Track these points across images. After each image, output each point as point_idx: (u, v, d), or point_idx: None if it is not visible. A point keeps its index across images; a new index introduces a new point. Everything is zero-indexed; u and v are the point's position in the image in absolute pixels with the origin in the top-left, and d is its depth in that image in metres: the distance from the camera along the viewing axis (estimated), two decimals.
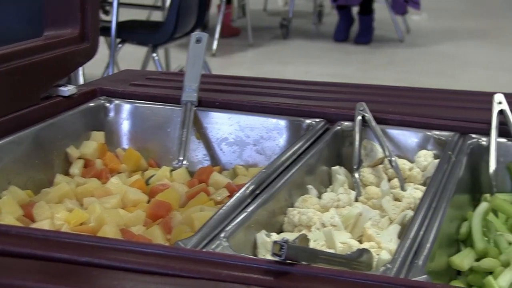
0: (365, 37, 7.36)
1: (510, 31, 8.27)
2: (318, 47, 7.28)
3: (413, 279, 1.15)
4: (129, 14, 5.56)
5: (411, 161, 1.80)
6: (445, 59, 6.81)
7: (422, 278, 1.16)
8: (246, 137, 1.91)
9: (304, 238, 1.21)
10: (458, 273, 1.45)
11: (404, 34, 7.85)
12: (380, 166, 1.79)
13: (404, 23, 8.04)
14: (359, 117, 1.81)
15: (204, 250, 1.24)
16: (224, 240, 1.28)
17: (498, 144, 1.74)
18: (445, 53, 7.07)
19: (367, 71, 6.35)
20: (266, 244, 1.37)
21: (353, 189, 1.71)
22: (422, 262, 1.21)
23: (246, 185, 1.47)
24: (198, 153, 1.96)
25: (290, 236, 1.42)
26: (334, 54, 6.97)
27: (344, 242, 1.39)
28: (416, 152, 1.80)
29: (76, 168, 1.81)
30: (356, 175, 1.74)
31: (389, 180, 1.76)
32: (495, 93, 1.83)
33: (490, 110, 1.79)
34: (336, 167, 1.77)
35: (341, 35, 7.47)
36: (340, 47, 7.23)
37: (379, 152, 1.78)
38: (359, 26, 7.41)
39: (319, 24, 8.54)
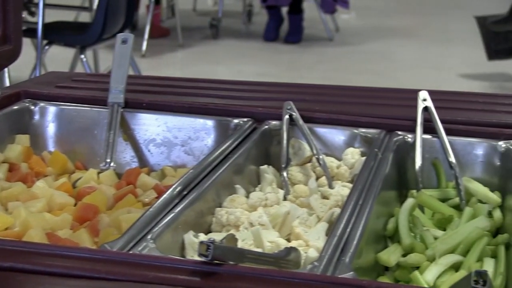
0: (295, 36, 7.41)
1: (436, 29, 8.44)
2: (248, 47, 7.29)
3: (340, 276, 1.16)
4: (56, 15, 5.47)
5: (339, 159, 1.81)
6: (374, 57, 6.90)
7: (349, 275, 1.17)
8: (174, 138, 1.89)
9: (232, 238, 1.21)
10: (386, 269, 1.47)
11: (334, 33, 7.93)
12: (308, 164, 1.80)
13: (333, 22, 8.12)
14: (287, 116, 1.81)
15: (131, 252, 1.23)
16: (151, 241, 1.26)
17: (424, 141, 1.76)
18: (374, 51, 7.17)
19: (297, 70, 6.39)
20: (194, 244, 1.36)
21: (281, 188, 1.72)
22: (349, 259, 1.22)
23: (174, 186, 1.46)
24: (125, 155, 1.93)
25: (218, 236, 1.41)
26: (264, 53, 7.00)
27: (272, 241, 1.39)
28: (343, 150, 1.82)
29: (0, 173, 1.77)
30: (284, 174, 1.74)
31: (317, 178, 1.77)
32: (420, 90, 1.85)
33: (415, 107, 1.81)
34: (264, 166, 1.77)
35: (271, 35, 7.50)
36: (270, 47, 7.26)
37: (307, 150, 1.79)
38: (289, 25, 7.45)
39: (249, 24, 8.55)
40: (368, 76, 6.14)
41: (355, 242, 1.28)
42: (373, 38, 7.85)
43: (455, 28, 8.57)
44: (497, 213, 1.64)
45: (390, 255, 1.42)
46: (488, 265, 1.42)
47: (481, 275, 1.05)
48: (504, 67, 6.44)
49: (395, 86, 2.31)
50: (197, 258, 1.15)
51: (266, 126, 1.85)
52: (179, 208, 1.40)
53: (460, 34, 8.14)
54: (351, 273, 1.17)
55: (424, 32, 8.31)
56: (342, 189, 1.64)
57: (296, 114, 1.81)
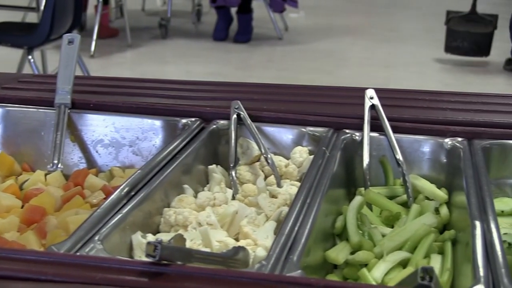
0: (245, 35, 7.41)
1: (384, 27, 8.52)
2: (198, 47, 7.27)
3: (288, 274, 1.16)
4: (3, 16, 5.38)
5: (287, 158, 1.81)
6: (323, 56, 6.94)
7: (297, 273, 1.17)
8: (121, 138, 1.88)
9: (180, 238, 1.20)
10: (335, 266, 1.47)
11: (283, 32, 7.96)
12: (257, 163, 1.80)
13: (282, 21, 8.15)
14: (235, 116, 1.81)
15: (78, 254, 1.22)
16: (98, 243, 1.25)
17: (371, 139, 1.77)
18: (323, 50, 7.21)
19: (247, 69, 6.40)
20: (142, 245, 1.35)
21: (230, 187, 1.72)
22: (297, 257, 1.22)
23: (121, 187, 1.45)
24: (73, 156, 1.91)
25: (166, 236, 1.41)
26: (214, 53, 6.98)
27: (220, 241, 1.39)
28: (291, 149, 1.82)
29: None
30: (233, 173, 1.74)
31: (266, 177, 1.77)
32: (367, 88, 1.86)
33: (363, 105, 1.82)
34: (213, 166, 1.77)
35: (220, 34, 7.49)
36: (220, 46, 7.24)
37: (255, 149, 1.79)
38: (238, 25, 7.44)
39: (198, 24, 8.53)
40: (318, 75, 6.16)
41: (303, 240, 1.28)
42: (323, 36, 7.89)
43: (403, 27, 8.67)
44: (444, 210, 1.66)
45: (339, 253, 1.43)
46: (435, 261, 1.43)
47: (427, 271, 1.06)
48: (451, 65, 6.54)
49: (344, 85, 2.33)
50: (145, 258, 1.14)
51: (214, 126, 1.85)
52: (126, 209, 1.39)
53: (408, 33, 8.24)
54: (299, 271, 1.17)
55: (373, 30, 8.38)
56: (290, 188, 1.65)
57: (244, 114, 1.81)
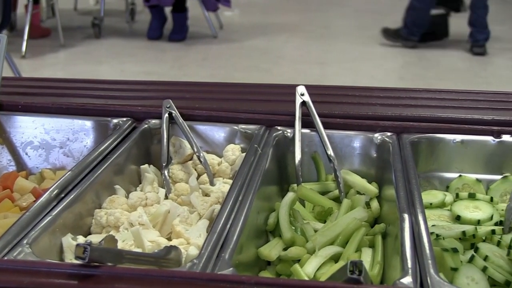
0: (179, 34, 7.37)
1: (318, 25, 8.57)
2: (132, 46, 7.20)
3: (219, 272, 1.16)
4: None
5: (220, 156, 1.82)
6: (259, 54, 6.94)
7: (228, 271, 1.17)
8: (52, 140, 1.85)
9: (111, 239, 1.19)
10: (269, 263, 1.48)
11: (218, 30, 7.94)
12: (189, 162, 1.80)
13: (217, 19, 8.13)
14: (166, 115, 1.80)
15: (6, 258, 1.20)
16: (26, 246, 1.23)
17: (302, 135, 1.79)
18: (258, 47, 7.22)
19: (182, 68, 6.36)
20: (72, 247, 1.34)
21: (163, 187, 1.71)
22: (229, 255, 1.22)
23: (51, 189, 1.43)
24: (1, 159, 1.88)
25: (97, 238, 1.40)
26: (149, 52, 6.92)
27: (152, 241, 1.38)
28: (224, 147, 1.82)
29: None
30: (165, 172, 1.73)
31: (199, 175, 1.77)
32: (299, 85, 1.88)
33: (294, 102, 1.83)
34: (145, 166, 1.76)
35: (154, 33, 7.43)
36: (155, 45, 7.19)
37: (188, 148, 1.79)
38: (173, 23, 7.40)
39: (132, 23, 8.45)
40: (253, 73, 6.17)
41: (234, 238, 1.28)
42: (257, 34, 7.91)
43: (337, 24, 8.74)
44: (375, 204, 1.68)
45: (271, 250, 1.44)
46: (366, 255, 1.45)
47: (357, 265, 1.08)
48: (383, 60, 6.63)
49: (280, 82, 2.33)
50: (75, 261, 1.12)
51: (146, 125, 1.83)
52: (56, 211, 1.37)
53: (342, 30, 8.31)
54: (231, 269, 1.18)
55: (307, 28, 8.43)
56: (223, 186, 1.65)
57: (175, 112, 1.81)
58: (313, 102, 1.83)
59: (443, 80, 5.81)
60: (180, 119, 1.79)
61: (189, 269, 1.16)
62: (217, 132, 1.85)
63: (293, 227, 1.53)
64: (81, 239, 1.38)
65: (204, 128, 1.86)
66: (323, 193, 1.73)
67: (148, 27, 7.58)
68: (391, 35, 7.17)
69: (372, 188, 1.72)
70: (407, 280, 1.15)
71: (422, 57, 6.78)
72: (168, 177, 1.73)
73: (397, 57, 6.72)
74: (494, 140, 1.78)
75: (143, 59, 6.68)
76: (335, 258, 1.45)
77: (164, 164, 1.74)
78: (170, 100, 1.83)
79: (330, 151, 1.74)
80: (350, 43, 7.39)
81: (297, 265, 1.38)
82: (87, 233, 1.48)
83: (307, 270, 1.37)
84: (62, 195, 1.44)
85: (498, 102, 1.98)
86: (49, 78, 2.31)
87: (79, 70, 6.17)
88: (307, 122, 1.81)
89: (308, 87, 1.87)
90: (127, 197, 1.60)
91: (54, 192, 1.43)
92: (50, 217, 1.35)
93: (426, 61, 6.64)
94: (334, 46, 7.35)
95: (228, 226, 1.33)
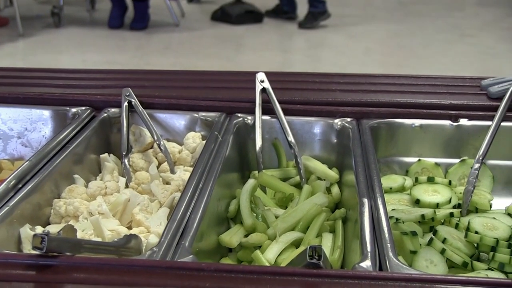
0: (141, 23, 7.30)
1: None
2: (93, 35, 7.11)
3: (179, 260, 1.16)
4: None
5: (180, 144, 1.81)
6: (221, 42, 6.91)
7: (188, 258, 1.17)
8: (9, 130, 1.83)
9: (70, 229, 1.18)
10: (230, 250, 1.48)
11: (180, 19, 7.89)
12: (150, 150, 1.79)
13: (178, 8, 8.08)
14: (126, 103, 1.79)
15: None
16: None
17: (263, 122, 1.79)
18: (221, 36, 7.18)
19: (144, 57, 6.31)
20: (30, 238, 1.32)
21: (123, 176, 1.70)
22: (189, 242, 1.22)
23: (8, 179, 1.41)
24: None
25: (56, 228, 1.39)
26: (110, 41, 6.85)
27: (112, 230, 1.38)
28: (184, 135, 1.82)
29: None
30: (126, 161, 1.72)
31: (160, 164, 1.76)
32: (258, 72, 1.87)
33: (254, 89, 1.83)
34: (105, 155, 1.74)
35: (116, 22, 7.35)
36: (116, 34, 7.11)
37: (148, 137, 1.78)
38: (134, 12, 7.33)
39: (92, 11, 8.35)
40: (216, 61, 6.14)
41: (195, 225, 1.28)
42: (219, 22, 7.87)
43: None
44: (335, 189, 1.69)
45: (232, 236, 1.44)
46: (327, 240, 1.46)
47: (316, 250, 1.08)
48: (344, 48, 6.65)
49: (242, 70, 2.32)
50: (33, 251, 1.11)
51: (105, 114, 1.82)
52: (13, 202, 1.36)
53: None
54: (191, 256, 1.18)
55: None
56: (184, 174, 1.64)
57: (135, 101, 1.79)
58: (273, 89, 1.83)
59: (403, 66, 5.84)
60: (140, 108, 1.78)
61: (148, 257, 1.16)
62: (177, 120, 1.85)
63: (254, 214, 1.53)
64: (39, 230, 1.37)
65: (164, 116, 1.85)
66: (284, 179, 1.74)
67: (108, 16, 7.51)
68: (307, 22, 7.32)
69: (333, 173, 1.72)
70: (366, 263, 1.16)
71: (383, 43, 6.82)
72: (128, 166, 1.72)
73: (360, 44, 6.74)
74: (452, 124, 1.80)
75: (104, 48, 6.61)
76: (296, 244, 1.45)
77: (124, 153, 1.73)
78: (130, 89, 1.81)
79: (291, 138, 1.74)
80: (313, 30, 7.39)
81: (258, 251, 1.38)
82: (46, 224, 1.47)
83: (268, 256, 1.38)
84: (20, 186, 1.42)
85: (455, 87, 2.00)
86: (6, 68, 2.27)
87: (39, 60, 6.10)
88: (268, 109, 1.81)
89: (268, 74, 1.87)
90: (86, 186, 1.59)
91: (12, 183, 1.41)
92: (8, 207, 1.33)
93: (386, 47, 6.68)
94: (296, 34, 7.35)
95: (188, 213, 1.32)
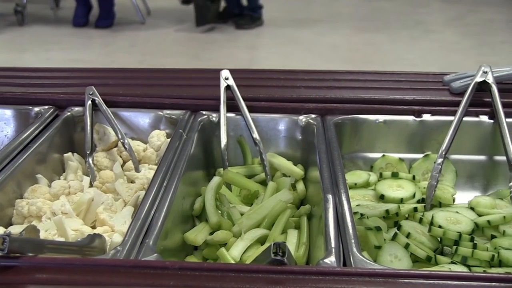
0: (106, 20, 7.26)
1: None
2: (58, 33, 7.06)
3: (143, 259, 1.16)
4: None
5: (145, 142, 1.80)
6: (187, 39, 6.89)
7: (153, 257, 1.17)
8: None
9: (33, 229, 1.17)
10: (196, 248, 1.48)
11: (146, 16, 7.86)
12: (114, 149, 1.78)
13: (144, 5, 8.04)
14: (89, 102, 1.78)
15: None
16: None
17: (228, 119, 1.79)
18: (187, 33, 7.15)
19: (110, 55, 6.27)
20: None
21: (87, 175, 1.69)
22: (153, 241, 1.22)
23: None
24: None
25: (19, 228, 1.37)
26: (75, 39, 6.80)
27: (76, 229, 1.37)
28: (149, 133, 1.81)
29: None
30: (90, 160, 1.71)
31: (124, 162, 1.75)
32: (223, 69, 1.87)
33: (219, 86, 1.83)
34: (69, 154, 1.73)
35: (80, 20, 7.30)
36: (81, 32, 7.06)
37: (112, 135, 1.77)
38: (100, 10, 7.28)
39: (57, 9, 8.28)
40: (182, 58, 6.13)
41: (159, 223, 1.28)
42: (186, 20, 7.85)
43: (267, 9, 8.75)
44: (300, 186, 1.70)
45: (197, 234, 1.44)
46: (292, 236, 1.46)
47: (280, 246, 1.08)
48: (311, 44, 6.67)
49: (208, 67, 2.32)
50: None
51: (69, 113, 1.81)
52: None
53: (271, 14, 8.32)
54: (155, 255, 1.17)
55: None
56: (148, 172, 1.64)
57: (99, 99, 1.78)
58: (238, 86, 1.83)
59: (369, 62, 5.88)
60: (104, 106, 1.77)
61: (112, 257, 1.15)
62: (141, 118, 1.84)
63: (220, 211, 1.53)
64: (1, 230, 1.36)
65: (129, 114, 1.84)
66: (250, 176, 1.74)
67: (73, 14, 7.45)
68: (246, 23, 7.27)
69: (298, 170, 1.73)
70: (330, 259, 1.17)
71: (350, 40, 6.85)
72: (92, 165, 1.71)
73: (326, 40, 6.77)
74: (415, 120, 1.81)
75: (69, 46, 6.56)
76: (262, 241, 1.46)
77: (88, 152, 1.72)
78: (93, 87, 1.80)
79: (256, 135, 1.75)
80: (280, 27, 7.41)
81: (223, 249, 1.38)
82: (8, 224, 1.45)
83: (233, 253, 1.38)
84: None
85: (419, 83, 2.02)
86: None
87: (2, 59, 6.03)
88: (233, 106, 1.81)
89: (233, 71, 1.87)
90: (50, 186, 1.57)
91: None
92: None
93: (352, 44, 6.72)
94: (263, 31, 7.35)
95: (153, 212, 1.32)
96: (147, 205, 1.33)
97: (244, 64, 5.88)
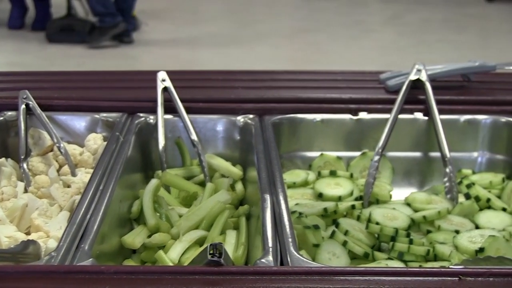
0: (43, 23, 7.15)
1: (186, 10, 8.53)
2: None
3: (79, 264, 1.14)
4: None
5: (82, 146, 1.78)
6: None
7: (88, 262, 1.15)
8: None
9: None
10: (134, 251, 1.46)
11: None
12: (50, 153, 1.75)
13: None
14: (23, 106, 1.75)
15: None
16: None
17: (166, 121, 1.78)
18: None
19: (48, 58, 6.19)
20: None
21: (22, 180, 1.66)
22: (88, 246, 1.20)
23: None
24: None
25: None
26: (11, 42, 6.67)
27: (9, 236, 1.34)
28: (85, 136, 1.79)
29: None
30: (24, 165, 1.68)
31: (61, 167, 1.73)
32: (159, 71, 1.86)
33: (156, 88, 1.82)
34: (2, 159, 1.69)
35: (16, 22, 7.17)
36: (17, 35, 6.93)
37: (47, 139, 1.74)
38: (36, 12, 7.17)
39: None
40: (122, 61, 6.07)
41: (95, 228, 1.26)
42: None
43: (206, 9, 8.73)
44: (239, 186, 1.70)
45: (135, 238, 1.42)
46: (231, 237, 1.46)
47: (217, 247, 1.08)
48: (254, 44, 6.69)
49: (149, 69, 2.30)
50: None
51: (1, 118, 1.77)
52: None
53: (212, 15, 8.31)
54: (90, 260, 1.16)
55: (176, 14, 8.37)
56: (85, 176, 1.62)
57: (33, 103, 1.75)
58: (176, 87, 1.82)
59: (310, 62, 5.92)
60: (38, 110, 1.74)
61: (46, 263, 1.13)
62: (78, 122, 1.82)
63: (158, 214, 1.51)
64: None
65: (65, 118, 1.82)
66: (188, 178, 1.73)
67: (8, 16, 7.31)
68: (98, 35, 6.54)
69: (236, 170, 1.73)
70: (268, 259, 1.17)
71: (291, 40, 6.89)
72: (27, 170, 1.67)
73: (268, 41, 6.79)
74: (352, 118, 1.83)
75: (5, 49, 6.45)
76: (200, 242, 1.45)
77: (22, 157, 1.69)
78: (27, 91, 1.77)
79: (194, 136, 1.74)
80: (221, 28, 7.41)
81: (161, 251, 1.37)
82: None
83: (172, 255, 1.37)
84: None
85: (355, 81, 2.04)
86: None
87: None
88: (170, 108, 1.80)
89: (171, 73, 1.86)
90: None
91: None
92: None
93: (293, 44, 6.76)
94: (203, 31, 7.34)
95: (88, 216, 1.30)
96: (83, 209, 1.31)
97: (186, 66, 5.86)
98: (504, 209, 1.64)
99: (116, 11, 6.47)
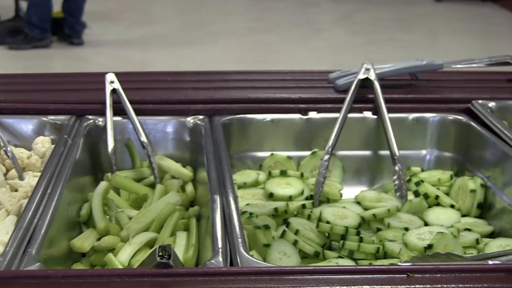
0: None
1: (137, 11, 8.49)
2: None
3: (25, 269, 1.13)
4: None
5: (29, 149, 1.76)
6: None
7: (35, 266, 1.14)
8: None
9: None
10: (84, 255, 1.45)
11: None
12: None
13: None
14: None
15: None
16: None
17: (115, 123, 1.76)
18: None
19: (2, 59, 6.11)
20: None
21: None
22: (36, 250, 1.19)
23: None
24: None
25: None
26: None
27: None
28: (33, 139, 1.76)
29: None
30: None
31: (8, 171, 1.70)
32: (107, 73, 1.85)
33: (104, 90, 1.80)
34: None
35: None
36: None
37: None
38: None
39: None
40: (72, 62, 6.02)
41: (42, 232, 1.25)
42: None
43: (157, 10, 8.70)
44: (189, 187, 1.69)
45: (84, 241, 1.41)
46: (181, 238, 1.45)
47: (166, 249, 1.08)
48: (202, 44, 6.68)
49: (100, 71, 2.28)
50: None
51: None
52: None
53: (163, 15, 8.28)
54: (38, 264, 1.14)
55: (126, 15, 8.32)
56: (33, 180, 1.59)
57: None
58: (125, 89, 1.81)
59: (262, 62, 5.93)
60: None
61: None
62: (25, 125, 1.79)
63: (108, 216, 1.50)
64: None
65: (11, 121, 1.79)
66: (138, 180, 1.72)
67: None
68: (21, 41, 6.45)
69: (187, 171, 1.73)
70: (217, 260, 1.17)
71: (242, 40, 6.90)
72: None
73: (219, 41, 6.79)
74: (302, 118, 1.84)
75: None
76: (151, 244, 1.44)
77: None
78: None
79: (143, 138, 1.73)
80: (173, 29, 7.38)
81: (110, 254, 1.36)
82: None
83: (121, 258, 1.36)
84: None
85: (305, 81, 2.05)
86: None
87: None
88: (120, 110, 1.78)
89: (119, 74, 1.84)
90: None
91: None
92: None
93: (245, 44, 6.77)
94: (156, 32, 7.31)
95: (36, 220, 1.29)
96: (30, 213, 1.30)
97: (137, 67, 5.83)
98: (452, 206, 1.66)
99: (49, 28, 6.44)
